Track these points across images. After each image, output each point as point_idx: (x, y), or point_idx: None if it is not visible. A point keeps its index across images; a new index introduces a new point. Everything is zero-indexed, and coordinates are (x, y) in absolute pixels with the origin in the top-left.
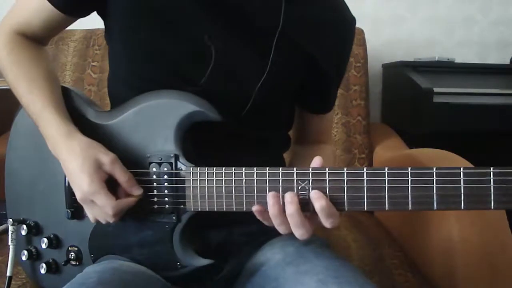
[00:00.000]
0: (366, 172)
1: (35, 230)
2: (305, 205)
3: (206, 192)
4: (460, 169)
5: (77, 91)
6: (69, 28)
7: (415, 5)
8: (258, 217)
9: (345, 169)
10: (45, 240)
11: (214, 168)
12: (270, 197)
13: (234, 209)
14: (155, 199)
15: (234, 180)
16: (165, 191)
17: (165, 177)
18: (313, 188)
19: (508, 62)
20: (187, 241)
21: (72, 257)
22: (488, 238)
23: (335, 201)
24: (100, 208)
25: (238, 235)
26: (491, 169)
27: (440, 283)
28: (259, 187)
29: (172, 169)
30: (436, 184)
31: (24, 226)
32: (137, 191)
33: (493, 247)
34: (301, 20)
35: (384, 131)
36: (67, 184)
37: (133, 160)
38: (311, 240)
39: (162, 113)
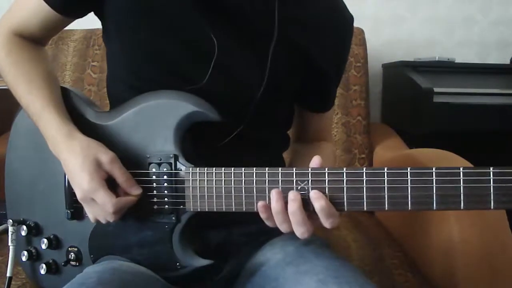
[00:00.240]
0: (366, 172)
1: (35, 230)
2: (304, 205)
3: (206, 192)
4: (459, 169)
5: (77, 91)
6: (69, 28)
7: (415, 5)
8: (262, 214)
9: (344, 169)
10: (45, 240)
11: (214, 169)
12: (274, 193)
13: (233, 209)
14: (155, 199)
15: (234, 180)
16: (164, 191)
17: (165, 177)
18: (312, 188)
19: (508, 62)
20: (187, 241)
21: (72, 258)
22: (488, 238)
23: (334, 201)
24: (101, 206)
25: (238, 235)
26: (491, 169)
27: (440, 283)
28: (258, 187)
29: (171, 170)
30: (436, 184)
31: (24, 227)
32: (136, 191)
33: (493, 248)
34: (297, 20)
35: (384, 131)
36: (67, 184)
37: (132, 161)
38: (311, 240)
39: (161, 113)
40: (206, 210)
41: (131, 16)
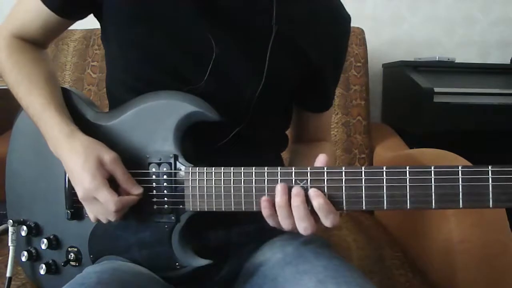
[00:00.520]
0: (365, 171)
1: (35, 231)
2: None
3: (205, 192)
4: (458, 168)
5: (77, 92)
6: (68, 27)
7: (415, 5)
8: (264, 210)
9: (343, 168)
10: (45, 241)
11: (213, 168)
12: (279, 187)
13: (232, 209)
14: (154, 199)
15: (233, 180)
16: (164, 191)
17: (164, 177)
18: (311, 187)
19: (508, 62)
20: (186, 241)
21: (72, 258)
22: (489, 238)
23: (333, 200)
24: (102, 205)
25: (237, 235)
26: (489, 167)
27: (440, 284)
28: (257, 187)
29: (171, 169)
30: (435, 183)
31: (24, 227)
32: (137, 190)
33: (494, 248)
34: (295, 19)
35: (385, 131)
36: (67, 184)
37: (132, 160)
38: (311, 240)
39: (161, 113)
40: (206, 210)
41: (130, 18)
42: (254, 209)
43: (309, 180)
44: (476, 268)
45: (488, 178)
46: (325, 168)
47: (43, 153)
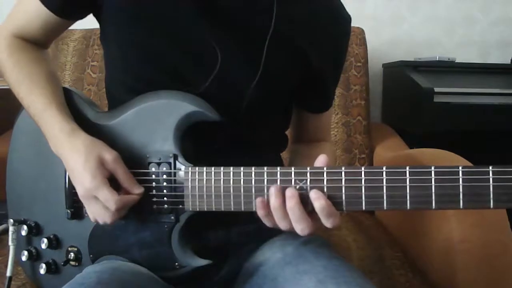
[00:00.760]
0: (364, 172)
1: (35, 230)
2: (304, 205)
3: (205, 192)
4: (458, 168)
5: (77, 91)
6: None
7: (415, 5)
8: (260, 211)
9: (343, 168)
10: (45, 240)
11: (213, 168)
12: (272, 189)
13: (232, 209)
14: (154, 199)
15: (232, 179)
16: (164, 191)
17: (164, 177)
18: (311, 188)
19: (508, 61)
20: (186, 241)
21: (72, 258)
22: (489, 238)
23: (333, 201)
24: (103, 204)
25: (237, 235)
26: (490, 167)
27: (440, 284)
28: (257, 187)
29: (171, 169)
30: (435, 183)
31: (25, 227)
32: (138, 190)
33: (494, 248)
34: (294, 19)
35: (385, 131)
36: (67, 184)
37: (132, 160)
38: (311, 239)
39: (161, 113)
40: (205, 209)
41: (130, 18)
42: (254, 209)
43: (308, 180)
44: (476, 268)
45: (489, 178)
46: (325, 168)
47: (44, 153)
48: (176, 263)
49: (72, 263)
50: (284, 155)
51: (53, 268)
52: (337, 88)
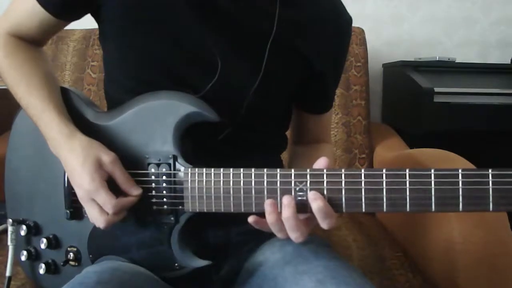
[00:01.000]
0: (364, 174)
1: (35, 230)
2: (303, 207)
3: (204, 193)
4: (458, 171)
5: (77, 91)
6: (68, 27)
7: (415, 5)
8: (256, 226)
9: (343, 170)
10: (44, 240)
11: (212, 169)
12: (267, 204)
13: (232, 210)
14: (154, 200)
15: (232, 181)
16: (163, 191)
17: (164, 177)
18: (311, 190)
19: (508, 62)
20: (185, 242)
21: (71, 258)
22: (489, 238)
23: (333, 203)
24: (100, 207)
25: (236, 235)
26: (490, 170)
27: (440, 284)
28: (257, 188)
29: (170, 170)
30: (434, 185)
31: (24, 226)
32: (136, 191)
33: (494, 248)
34: (295, 22)
35: (385, 131)
36: (66, 184)
37: (132, 161)
38: (311, 239)
39: (160, 113)
40: (205, 210)
41: (129, 21)
42: (254, 210)
43: (308, 182)
44: (476, 269)
45: (489, 181)
46: (325, 171)
47: (43, 153)
48: (176, 264)
49: (72, 263)
50: (283, 155)
51: (52, 268)
52: (337, 88)
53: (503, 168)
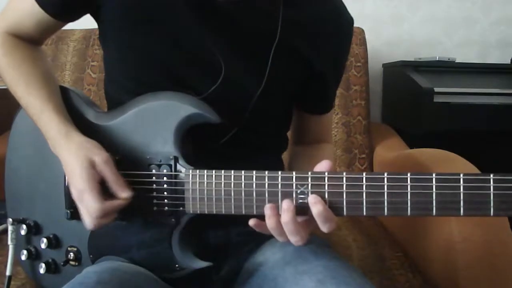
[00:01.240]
0: (366, 177)
1: (35, 229)
2: (304, 209)
3: (205, 194)
4: (460, 175)
5: (77, 91)
6: (68, 27)
7: (415, 5)
8: (257, 229)
9: (344, 173)
10: (45, 240)
11: (213, 171)
12: (267, 209)
13: (233, 212)
14: (155, 201)
15: (233, 183)
16: (164, 193)
17: (165, 179)
18: (312, 193)
19: (508, 62)
20: (186, 243)
21: (71, 258)
22: (489, 238)
23: (334, 206)
24: (85, 208)
25: (237, 235)
26: (491, 175)
27: (440, 284)
28: (258, 191)
29: (171, 171)
30: (436, 190)
31: (24, 226)
32: (124, 194)
33: (494, 247)
34: (298, 23)
35: (385, 131)
36: (66, 184)
37: (133, 161)
38: (311, 240)
39: (161, 114)
40: (206, 212)
41: (128, 22)
42: (255, 212)
43: (309, 185)
44: (476, 268)
45: (490, 186)
46: (326, 173)
47: (43, 152)
48: (176, 265)
49: (72, 263)
50: (284, 155)
51: (52, 268)
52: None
53: (504, 173)
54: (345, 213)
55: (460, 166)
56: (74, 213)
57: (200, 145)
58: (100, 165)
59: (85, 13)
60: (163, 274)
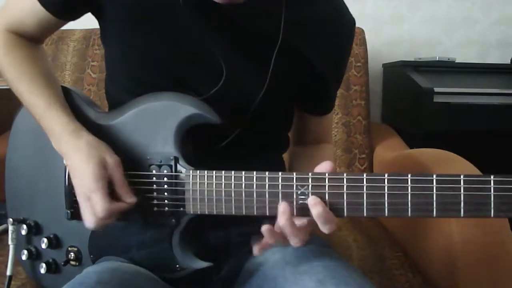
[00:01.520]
0: (366, 178)
1: (35, 229)
2: (304, 210)
3: (206, 195)
4: (460, 177)
5: (77, 91)
6: (68, 27)
7: (415, 5)
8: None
9: (344, 174)
10: (45, 240)
11: (214, 172)
12: (265, 231)
13: (233, 213)
14: (155, 201)
15: (234, 183)
16: (164, 193)
17: (165, 179)
18: (312, 193)
19: (508, 62)
20: (186, 243)
21: (72, 257)
22: (489, 238)
23: (334, 207)
24: (92, 207)
25: (237, 235)
26: (492, 177)
27: (440, 284)
28: (258, 191)
29: (171, 172)
30: (436, 191)
31: (24, 226)
32: (130, 199)
33: (494, 248)
34: (299, 24)
35: (385, 131)
36: (67, 184)
37: (133, 161)
38: (311, 240)
39: (162, 115)
40: (206, 213)
41: (128, 22)
42: (255, 213)
43: (310, 186)
44: (476, 269)
45: (490, 187)
46: (327, 174)
47: (43, 152)
48: (177, 265)
49: (72, 263)
50: (284, 156)
51: (53, 268)
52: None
53: (504, 174)
54: (345, 214)
55: (460, 166)
56: (74, 213)
57: (201, 146)
58: (111, 167)
59: (86, 12)
60: (164, 274)
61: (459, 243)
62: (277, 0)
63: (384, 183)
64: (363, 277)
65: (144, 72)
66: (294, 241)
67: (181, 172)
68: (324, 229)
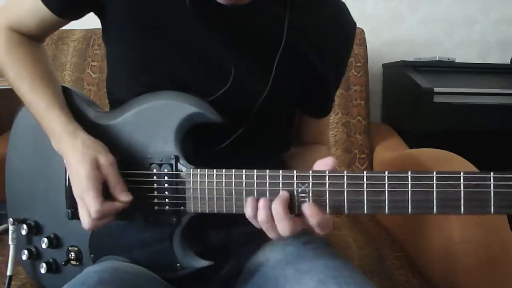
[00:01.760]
0: (366, 176)
1: (36, 229)
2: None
3: (206, 194)
4: (460, 174)
5: (77, 91)
6: (69, 27)
7: (415, 5)
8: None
9: (345, 172)
10: (45, 239)
11: (214, 170)
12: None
13: (234, 211)
14: (156, 200)
15: (234, 182)
16: (165, 192)
17: (166, 178)
18: (313, 191)
19: (508, 61)
20: (187, 242)
21: (72, 257)
22: (489, 238)
23: (334, 205)
24: (86, 208)
25: (238, 235)
26: (492, 173)
27: (440, 284)
28: (259, 190)
29: (172, 171)
30: (436, 188)
31: (25, 226)
32: (124, 198)
33: (494, 248)
34: (302, 26)
35: (385, 131)
36: (67, 183)
37: (134, 161)
38: (312, 239)
39: (162, 114)
40: (207, 211)
41: (130, 22)
42: None
43: (310, 183)
44: (476, 269)
45: (490, 184)
46: (327, 172)
47: (43, 152)
48: (178, 264)
49: (73, 262)
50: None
51: (53, 268)
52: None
53: (504, 171)
54: (346, 211)
55: (460, 166)
56: (75, 213)
57: (202, 145)
58: (105, 167)
59: (88, 12)
60: (165, 274)
61: (459, 243)
62: (280, 2)
63: (384, 180)
64: (364, 277)
65: (144, 73)
66: (272, 235)
67: (181, 171)
68: (321, 233)
